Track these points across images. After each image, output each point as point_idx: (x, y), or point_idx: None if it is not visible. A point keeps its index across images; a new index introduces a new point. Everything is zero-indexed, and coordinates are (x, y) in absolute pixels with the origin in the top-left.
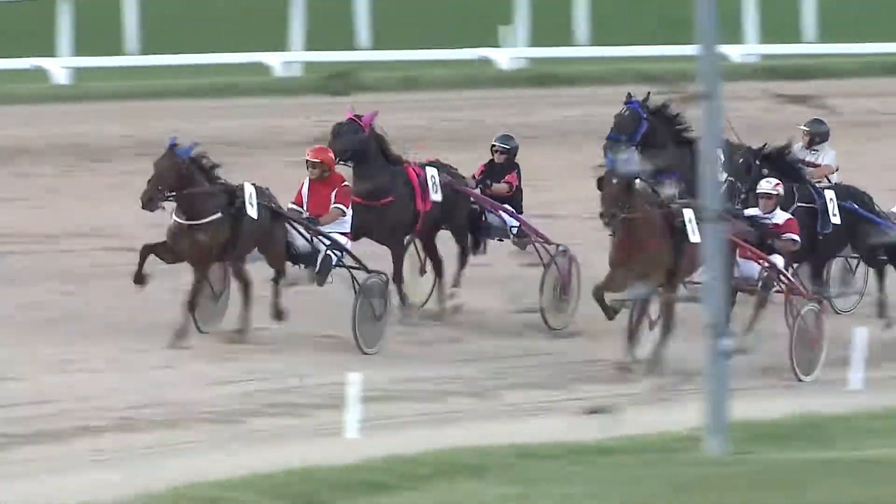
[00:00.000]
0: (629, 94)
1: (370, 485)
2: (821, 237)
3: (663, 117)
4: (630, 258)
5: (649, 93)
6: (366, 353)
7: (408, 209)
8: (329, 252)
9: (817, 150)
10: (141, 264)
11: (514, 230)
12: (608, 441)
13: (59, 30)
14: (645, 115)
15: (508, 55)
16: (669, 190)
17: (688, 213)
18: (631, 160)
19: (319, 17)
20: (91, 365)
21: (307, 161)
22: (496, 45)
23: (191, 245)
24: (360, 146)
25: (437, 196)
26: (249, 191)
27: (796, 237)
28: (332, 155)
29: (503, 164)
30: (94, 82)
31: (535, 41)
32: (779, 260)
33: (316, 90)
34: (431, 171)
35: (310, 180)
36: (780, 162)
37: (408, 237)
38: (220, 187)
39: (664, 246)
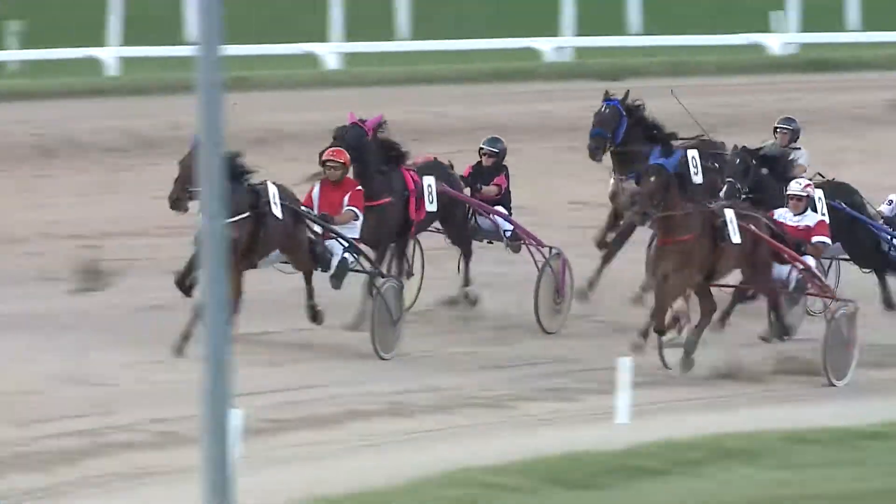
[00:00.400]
0: (607, 91)
1: (644, 470)
2: None
3: (637, 116)
4: (668, 256)
5: (628, 91)
6: (383, 359)
7: (400, 214)
8: (345, 255)
9: (793, 150)
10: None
11: (508, 233)
12: (874, 426)
13: (331, 16)
14: (624, 113)
15: (780, 41)
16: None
17: (728, 213)
18: (676, 157)
19: (591, 2)
20: (360, 350)
21: (325, 162)
22: (766, 31)
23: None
24: (363, 149)
25: (432, 206)
26: (273, 190)
27: (827, 240)
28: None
29: (491, 167)
30: (365, 67)
31: (806, 27)
32: (811, 261)
33: (586, 75)
34: (429, 181)
35: (321, 183)
36: (775, 161)
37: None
38: (246, 186)
39: (702, 244)
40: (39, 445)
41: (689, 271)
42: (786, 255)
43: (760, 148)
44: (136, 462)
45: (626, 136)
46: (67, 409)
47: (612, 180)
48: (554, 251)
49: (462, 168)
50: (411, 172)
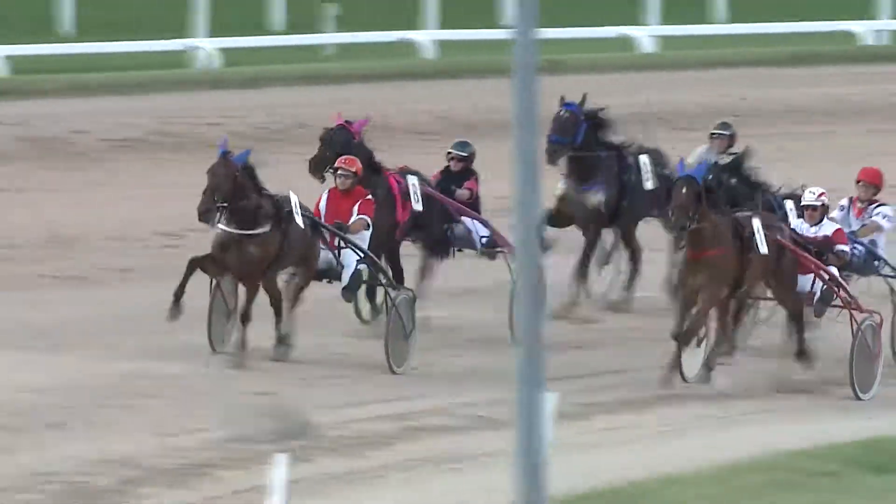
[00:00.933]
0: (562, 97)
1: None
2: None
3: (594, 122)
4: (697, 269)
5: (585, 95)
6: (395, 373)
7: (387, 217)
8: (359, 266)
9: (729, 155)
10: (185, 279)
11: (485, 240)
12: None
13: (646, 0)
14: (583, 118)
15: None
16: (595, 197)
17: (756, 223)
18: (702, 168)
19: None
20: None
21: (338, 171)
22: None
23: (240, 257)
24: (351, 152)
25: (418, 206)
26: (295, 200)
27: (847, 248)
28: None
29: (461, 172)
30: (680, 51)
31: None
32: (834, 271)
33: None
34: (412, 180)
35: (329, 192)
36: (741, 171)
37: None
38: (270, 197)
39: (731, 256)
40: (350, 430)
41: (720, 285)
42: (812, 266)
43: (732, 160)
44: (445, 446)
45: (584, 140)
46: (378, 394)
47: (560, 184)
48: None
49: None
50: (393, 174)
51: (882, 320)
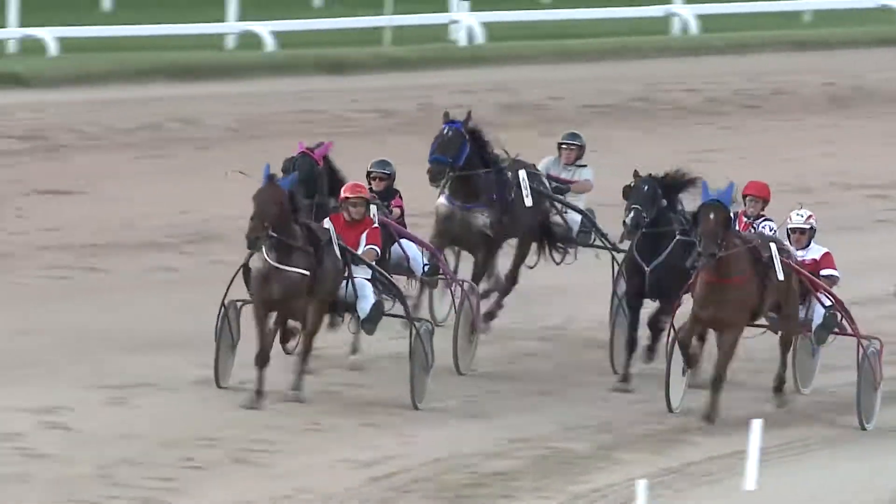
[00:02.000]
0: (446, 113)
1: None
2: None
3: (476, 139)
4: (720, 298)
5: (469, 112)
6: (416, 409)
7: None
8: (381, 298)
9: (576, 167)
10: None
11: (426, 267)
12: None
13: None
14: (467, 137)
15: None
16: (481, 218)
17: (773, 248)
18: (729, 192)
19: None
20: None
21: (348, 199)
22: None
23: (282, 288)
24: (316, 179)
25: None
26: (330, 226)
27: (837, 273)
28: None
29: (382, 191)
30: None
31: None
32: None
33: None
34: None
35: (333, 220)
36: (676, 188)
37: None
38: (308, 227)
39: (753, 283)
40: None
41: (746, 314)
42: (823, 290)
43: (667, 174)
44: None
45: (467, 160)
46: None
47: (442, 199)
48: (466, 285)
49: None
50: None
51: (882, 346)
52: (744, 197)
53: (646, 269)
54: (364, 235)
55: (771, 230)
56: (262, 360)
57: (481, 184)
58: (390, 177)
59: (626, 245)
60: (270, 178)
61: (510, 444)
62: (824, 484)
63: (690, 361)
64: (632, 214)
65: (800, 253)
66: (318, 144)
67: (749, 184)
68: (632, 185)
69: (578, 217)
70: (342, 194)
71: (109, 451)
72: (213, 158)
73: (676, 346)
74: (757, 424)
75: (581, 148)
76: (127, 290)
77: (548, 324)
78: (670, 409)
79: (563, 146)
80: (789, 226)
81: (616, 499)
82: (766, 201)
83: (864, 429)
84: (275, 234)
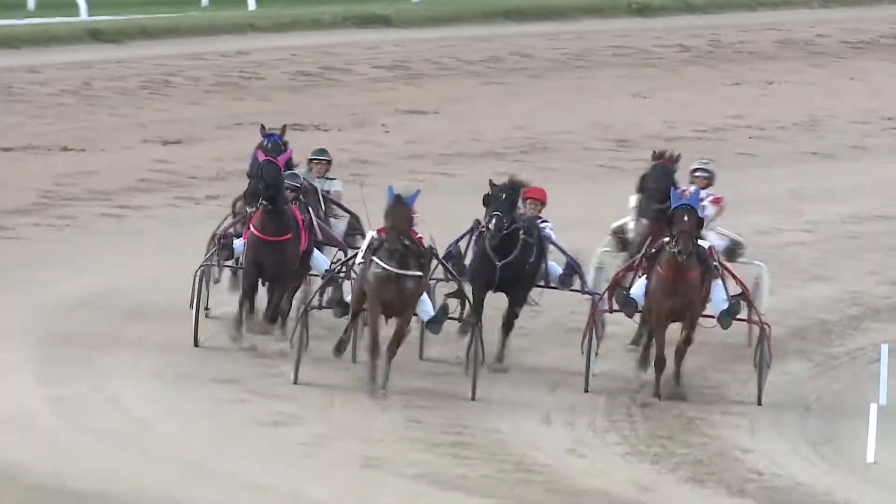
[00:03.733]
0: (262, 125)
1: None
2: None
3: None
4: (678, 293)
5: (284, 126)
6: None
7: (297, 248)
8: (446, 301)
9: (326, 179)
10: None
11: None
12: None
13: None
14: (283, 146)
15: None
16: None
17: (717, 251)
18: (696, 197)
19: None
20: None
21: None
22: None
23: (399, 294)
24: (280, 186)
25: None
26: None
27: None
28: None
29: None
30: None
31: None
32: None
33: None
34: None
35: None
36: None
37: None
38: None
39: (700, 280)
40: None
41: (701, 305)
42: (736, 281)
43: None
44: None
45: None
46: None
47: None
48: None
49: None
50: (292, 206)
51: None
52: (524, 200)
53: (497, 264)
54: None
55: (550, 229)
56: (375, 351)
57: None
58: (329, 163)
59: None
60: (398, 197)
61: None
62: None
63: (660, 363)
64: (494, 221)
65: (703, 193)
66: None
67: (529, 188)
68: (490, 193)
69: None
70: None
71: None
72: (542, 85)
73: (593, 332)
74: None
75: (329, 162)
76: (476, 192)
77: None
78: (587, 389)
79: (314, 161)
80: (694, 167)
81: (864, 360)
82: (543, 204)
83: (760, 404)
84: (406, 244)
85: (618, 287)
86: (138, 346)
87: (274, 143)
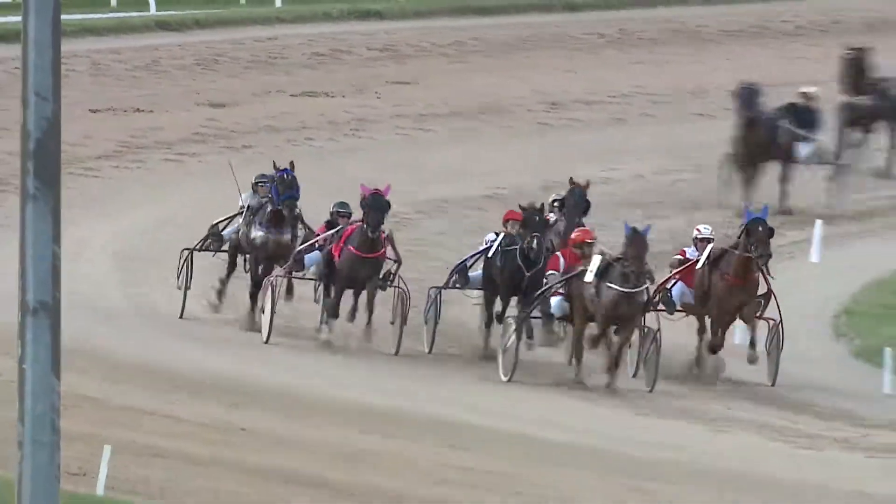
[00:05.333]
0: (274, 162)
1: None
2: None
3: None
4: (742, 292)
5: (292, 161)
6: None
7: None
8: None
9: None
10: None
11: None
12: None
13: None
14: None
15: None
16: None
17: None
18: (647, 231)
19: None
20: None
21: (580, 243)
22: None
23: (632, 308)
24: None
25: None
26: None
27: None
28: None
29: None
30: None
31: None
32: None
33: None
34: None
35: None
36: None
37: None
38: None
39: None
40: None
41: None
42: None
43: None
44: None
45: None
46: None
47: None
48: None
49: None
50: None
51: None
52: (504, 222)
53: (527, 274)
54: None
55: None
56: (579, 354)
57: None
58: (350, 214)
59: None
60: (634, 230)
61: None
62: None
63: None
64: (535, 241)
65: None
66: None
67: (508, 212)
68: (526, 217)
69: None
70: (575, 238)
71: None
72: (496, 63)
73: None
74: None
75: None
76: (444, 145)
77: None
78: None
79: (259, 184)
80: (699, 237)
81: None
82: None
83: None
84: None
85: (663, 290)
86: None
87: (291, 176)
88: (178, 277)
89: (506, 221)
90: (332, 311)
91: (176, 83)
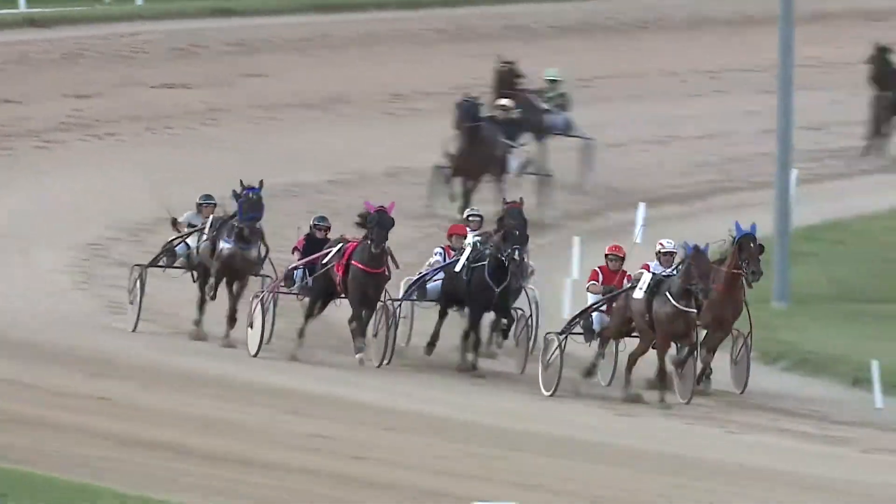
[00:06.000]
0: (241, 180)
1: None
2: None
3: None
4: (732, 305)
5: (261, 181)
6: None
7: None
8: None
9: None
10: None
11: None
12: None
13: None
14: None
15: None
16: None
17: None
18: (754, 227)
19: None
20: None
21: (607, 255)
22: None
23: (690, 324)
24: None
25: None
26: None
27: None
28: None
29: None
30: None
31: None
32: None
33: None
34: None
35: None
36: None
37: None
38: None
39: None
40: None
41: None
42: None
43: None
44: None
45: None
46: None
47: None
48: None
49: None
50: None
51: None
52: (449, 237)
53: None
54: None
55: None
56: (663, 377)
57: None
58: (329, 228)
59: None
60: (697, 247)
61: None
62: None
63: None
64: (518, 252)
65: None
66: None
67: (453, 226)
68: (509, 231)
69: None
70: (451, 231)
71: None
72: (351, 54)
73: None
74: None
75: (215, 206)
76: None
77: None
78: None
79: (204, 205)
80: (662, 251)
81: None
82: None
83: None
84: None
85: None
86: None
87: (257, 195)
88: (130, 293)
89: (450, 236)
90: (359, 331)
91: (43, 76)
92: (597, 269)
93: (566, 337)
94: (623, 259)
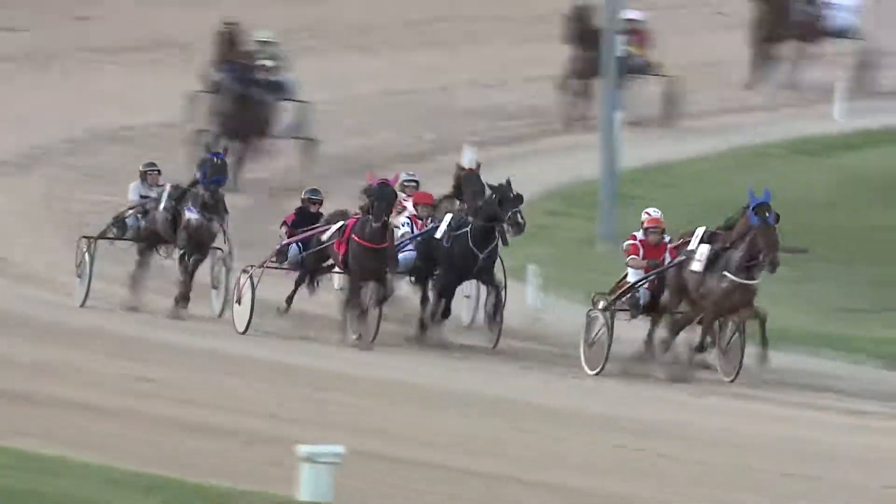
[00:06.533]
0: (207, 146)
1: None
2: None
3: None
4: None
5: (227, 147)
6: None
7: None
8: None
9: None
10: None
11: None
12: None
13: None
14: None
15: None
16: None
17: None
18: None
19: None
20: None
21: (647, 228)
22: None
23: (747, 300)
24: (392, 201)
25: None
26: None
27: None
28: None
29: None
30: None
31: None
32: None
33: None
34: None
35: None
36: None
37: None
38: None
39: None
40: None
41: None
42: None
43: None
44: None
45: None
46: None
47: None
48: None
49: None
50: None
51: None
52: (415, 206)
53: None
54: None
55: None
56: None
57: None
58: (322, 201)
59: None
60: (764, 219)
61: None
62: None
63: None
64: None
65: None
66: None
67: (417, 194)
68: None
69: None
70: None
71: None
72: None
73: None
74: None
75: (160, 173)
76: None
77: None
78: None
79: (148, 172)
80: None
81: None
82: (434, 208)
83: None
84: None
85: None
86: None
87: (221, 160)
88: (78, 266)
89: (416, 205)
90: (353, 306)
91: None
92: (636, 242)
93: (613, 314)
94: (664, 231)
